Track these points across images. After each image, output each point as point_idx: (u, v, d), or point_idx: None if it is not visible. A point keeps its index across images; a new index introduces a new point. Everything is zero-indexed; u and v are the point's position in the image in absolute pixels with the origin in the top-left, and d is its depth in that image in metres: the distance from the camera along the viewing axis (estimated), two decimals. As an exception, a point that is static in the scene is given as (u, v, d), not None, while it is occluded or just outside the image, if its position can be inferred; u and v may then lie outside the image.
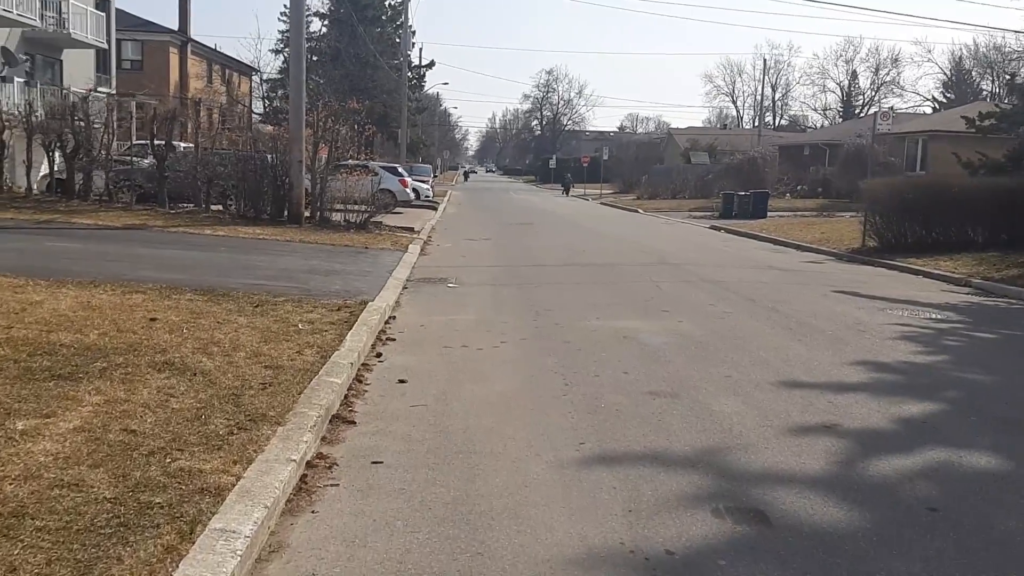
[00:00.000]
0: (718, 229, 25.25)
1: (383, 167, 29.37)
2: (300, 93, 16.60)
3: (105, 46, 30.37)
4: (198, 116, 18.63)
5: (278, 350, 6.14)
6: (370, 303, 8.63)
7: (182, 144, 19.96)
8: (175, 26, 41.09)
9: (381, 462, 4.42)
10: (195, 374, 5.29)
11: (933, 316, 10.15)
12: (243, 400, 4.84)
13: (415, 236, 17.55)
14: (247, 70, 54.09)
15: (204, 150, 17.80)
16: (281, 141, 16.82)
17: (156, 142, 18.28)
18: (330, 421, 5.00)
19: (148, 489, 3.54)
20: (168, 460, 3.88)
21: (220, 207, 17.91)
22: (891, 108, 65.48)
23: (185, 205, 18.14)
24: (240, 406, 4.73)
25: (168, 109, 18.88)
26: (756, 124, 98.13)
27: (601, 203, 45.06)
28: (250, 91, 55.29)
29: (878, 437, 5.15)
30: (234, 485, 3.64)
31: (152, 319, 6.83)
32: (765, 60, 72.14)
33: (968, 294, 12.65)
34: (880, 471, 4.53)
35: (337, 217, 17.38)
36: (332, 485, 4.08)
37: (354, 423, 5.08)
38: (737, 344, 7.85)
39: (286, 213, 16.82)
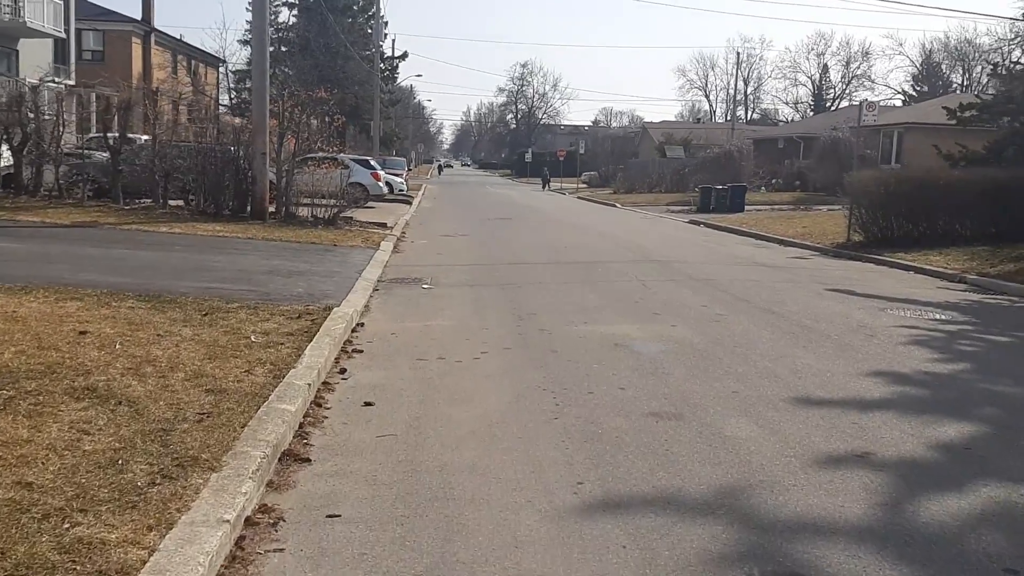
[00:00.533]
0: (697, 224, 24.68)
1: (354, 160, 28.42)
2: (263, 80, 15.66)
3: (63, 35, 29.05)
4: (155, 106, 17.53)
5: (224, 369, 5.32)
6: (336, 309, 7.82)
7: (143, 136, 18.91)
8: (138, 15, 39.66)
9: (339, 515, 3.63)
10: (120, 403, 4.46)
11: (938, 317, 9.55)
12: (173, 437, 4.03)
13: (388, 232, 16.71)
14: (213, 61, 52.65)
15: (162, 142, 16.78)
16: (244, 133, 15.87)
17: (110, 134, 17.24)
18: (280, 459, 4.21)
19: None
20: (66, 526, 3.07)
21: (181, 202, 16.91)
22: (865, 101, 65.75)
23: (142, 201, 17.12)
24: (168, 446, 3.92)
25: (123, 99, 17.78)
26: (729, 118, 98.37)
27: (578, 197, 44.43)
28: (217, 83, 53.85)
29: (920, 470, 4.47)
30: (144, 563, 2.84)
31: (82, 332, 5.96)
32: (739, 54, 72.09)
33: (966, 291, 12.11)
34: (934, 516, 3.83)
35: (304, 212, 16.48)
36: (276, 551, 3.29)
37: (309, 460, 4.29)
38: (739, 352, 7.16)
39: (249, 209, 15.90)
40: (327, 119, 17.69)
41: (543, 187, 54.64)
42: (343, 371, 6.12)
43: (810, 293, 10.96)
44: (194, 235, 13.45)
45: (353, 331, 7.48)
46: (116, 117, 17.35)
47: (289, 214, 16.22)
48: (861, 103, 44.69)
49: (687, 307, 9.51)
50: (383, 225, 18.23)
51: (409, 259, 13.37)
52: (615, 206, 35.36)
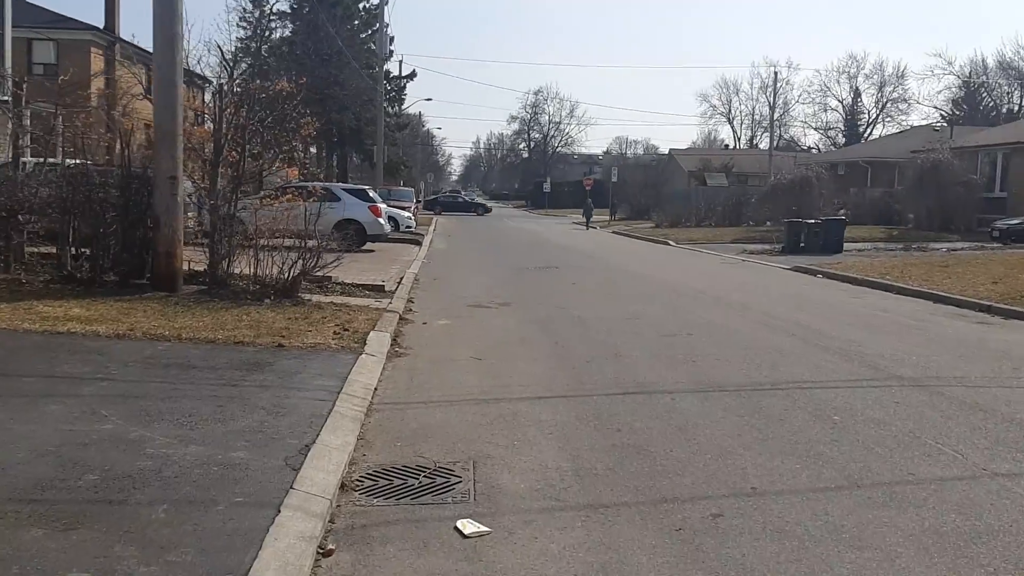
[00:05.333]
0: (813, 273, 18.09)
1: (347, 190, 22.09)
2: (171, 52, 9.21)
3: (-20, 36, 22.95)
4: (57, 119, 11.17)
5: None
6: None
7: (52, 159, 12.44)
8: (100, 23, 33.74)
9: None
10: None
11: None
12: None
13: (383, 304, 10.19)
14: (200, 83, 46.81)
15: (23, 163, 10.39)
16: (133, 141, 9.46)
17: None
18: None
19: None
20: None
21: (55, 256, 10.46)
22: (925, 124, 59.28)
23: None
24: None
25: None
26: (754, 144, 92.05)
27: (614, 232, 37.91)
28: (203, 106, 47.98)
29: None
30: None
31: None
32: (776, 73, 65.75)
33: None
34: None
35: (251, 271, 9.99)
36: None
37: None
38: None
39: (149, 271, 9.43)
40: (290, 124, 11.27)
41: (586, 224, 42.50)
42: None
43: None
44: (3, 331, 6.98)
45: None
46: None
47: (221, 279, 9.68)
48: (943, 124, 37.89)
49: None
50: (377, 289, 11.70)
51: (419, 382, 6.80)
52: (669, 244, 28.86)
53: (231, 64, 10.53)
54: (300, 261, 9.77)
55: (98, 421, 4.85)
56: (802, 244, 23.93)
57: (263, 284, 9.55)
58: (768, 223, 36.64)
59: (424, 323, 9.62)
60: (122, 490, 3.84)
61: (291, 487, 4.04)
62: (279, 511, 3.75)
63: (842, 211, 38.85)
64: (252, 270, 9.68)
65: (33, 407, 5.07)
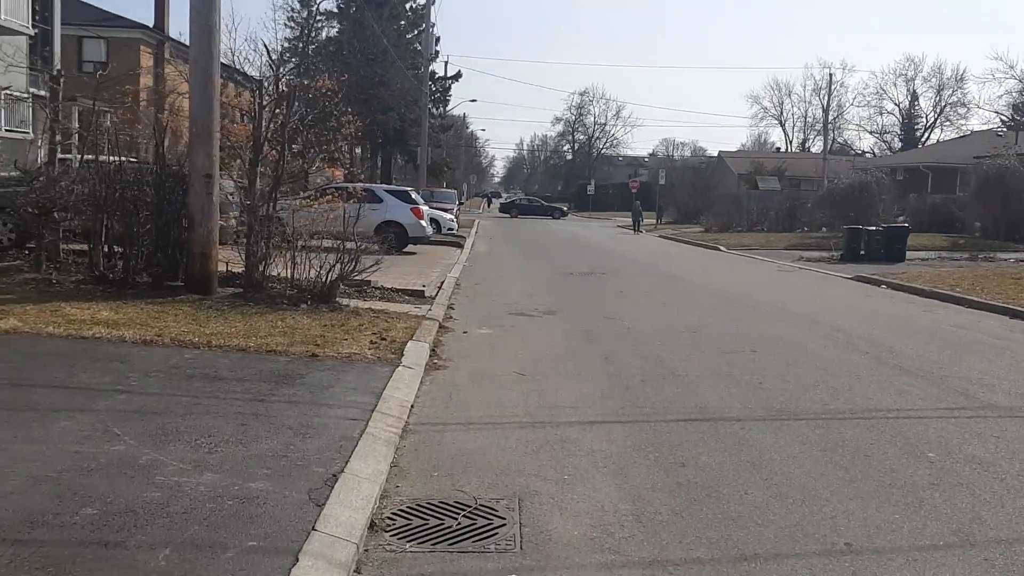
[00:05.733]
0: (874, 282, 17.17)
1: (389, 191, 21.77)
2: (208, 41, 8.85)
3: (31, 32, 23.18)
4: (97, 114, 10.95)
5: None
6: None
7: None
8: (150, 22, 34.10)
9: None
10: None
11: None
12: None
13: (422, 311, 9.71)
14: (249, 84, 47.15)
15: (67, 159, 10.18)
16: (174, 139, 9.15)
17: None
18: None
19: None
20: None
21: (87, 254, 10.20)
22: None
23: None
24: None
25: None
26: (806, 148, 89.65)
27: (661, 237, 37.03)
28: (253, 103, 48.27)
29: None
30: None
31: None
32: (831, 74, 63.74)
33: None
34: None
35: (290, 274, 9.60)
36: None
37: None
38: None
39: (183, 273, 9.09)
40: (331, 123, 10.85)
41: (635, 227, 40.69)
42: None
43: None
44: (23, 336, 6.65)
45: None
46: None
47: (253, 283, 9.29)
48: (1012, 125, 36.09)
49: None
50: (417, 294, 11.24)
51: (459, 400, 6.27)
52: (720, 250, 27.96)
53: (276, 63, 10.17)
54: (338, 265, 9.32)
55: (109, 441, 4.42)
56: (862, 252, 22.88)
57: (300, 288, 9.14)
58: (823, 229, 35.40)
59: (464, 332, 9.11)
60: (122, 528, 3.37)
61: (313, 527, 3.54)
62: (297, 559, 3.24)
63: (901, 217, 37.43)
64: (289, 273, 9.26)
65: (41, 424, 4.66)
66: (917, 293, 15.22)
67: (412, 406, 5.83)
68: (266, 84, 10.96)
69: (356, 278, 10.39)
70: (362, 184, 22.49)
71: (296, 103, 10.63)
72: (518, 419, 5.67)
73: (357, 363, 6.74)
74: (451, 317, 10.15)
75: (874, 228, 23.73)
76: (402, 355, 7.14)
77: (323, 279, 9.17)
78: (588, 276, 16.55)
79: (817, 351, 8.51)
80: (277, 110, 10.63)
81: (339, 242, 10.27)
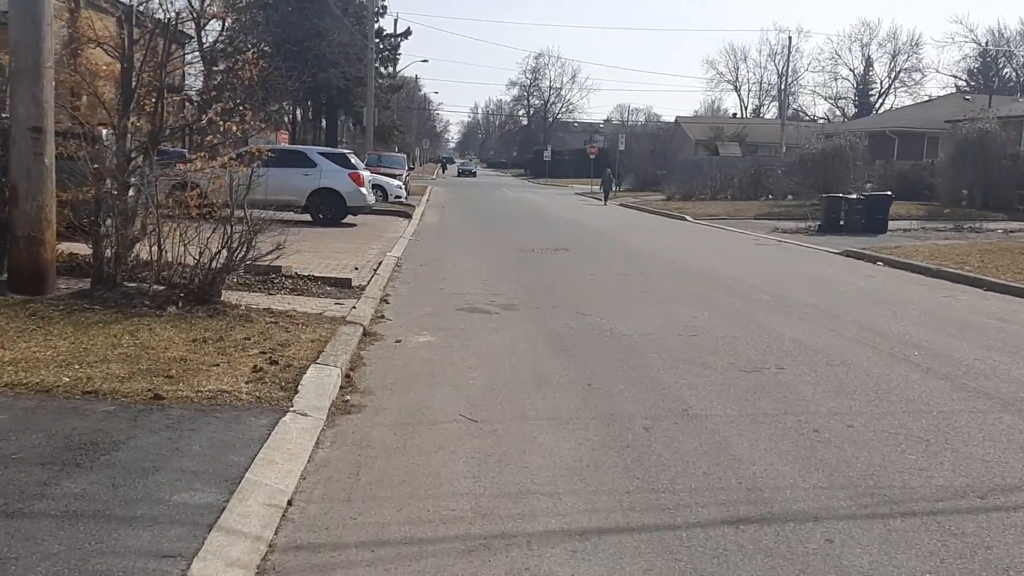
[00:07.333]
0: (866, 258, 15.38)
1: (324, 154, 19.18)
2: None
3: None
4: None
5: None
6: None
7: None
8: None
9: None
10: None
11: None
12: None
13: (343, 310, 7.39)
14: (182, 38, 43.07)
15: None
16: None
17: None
18: None
19: None
20: None
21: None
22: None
23: None
24: None
25: None
26: (759, 111, 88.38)
27: (622, 205, 34.90)
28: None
29: None
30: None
31: None
32: (790, 38, 62.20)
33: None
34: None
35: (161, 264, 7.15)
36: None
37: None
38: None
39: (6, 263, 6.60)
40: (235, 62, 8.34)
41: (604, 199, 36.85)
42: None
43: None
44: None
45: None
46: None
47: (105, 277, 6.79)
48: (970, 89, 34.88)
49: None
50: (343, 284, 8.90)
51: (369, 482, 4.00)
52: (687, 220, 26.08)
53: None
54: (224, 249, 6.92)
55: None
56: (841, 223, 21.15)
57: (169, 283, 6.72)
58: (789, 197, 33.82)
59: (398, 341, 6.83)
60: None
61: None
62: None
63: (869, 184, 35.95)
64: (155, 261, 6.83)
65: None
66: (922, 272, 13.41)
67: (290, 503, 3.57)
68: (137, 7, 8.35)
69: (262, 263, 8.02)
70: (288, 146, 19.87)
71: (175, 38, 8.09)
72: (462, 526, 3.45)
73: (221, 411, 4.44)
74: (382, 317, 7.86)
75: (854, 196, 21.98)
76: (296, 391, 4.86)
77: (202, 269, 6.76)
78: (552, 253, 14.36)
79: (861, 365, 6.45)
80: (152, 44, 8.10)
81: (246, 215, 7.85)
